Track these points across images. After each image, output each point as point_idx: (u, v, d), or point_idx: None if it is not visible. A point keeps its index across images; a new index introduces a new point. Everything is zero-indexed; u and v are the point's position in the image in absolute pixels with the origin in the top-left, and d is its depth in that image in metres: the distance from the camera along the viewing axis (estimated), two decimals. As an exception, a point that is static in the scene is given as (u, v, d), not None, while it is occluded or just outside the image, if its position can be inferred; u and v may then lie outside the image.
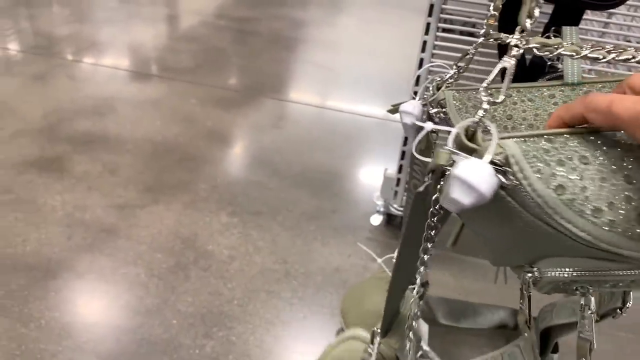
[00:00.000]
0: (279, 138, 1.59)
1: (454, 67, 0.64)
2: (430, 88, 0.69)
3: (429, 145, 0.76)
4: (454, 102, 0.66)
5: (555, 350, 0.88)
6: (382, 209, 1.26)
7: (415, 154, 0.47)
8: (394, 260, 0.81)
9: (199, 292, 1.04)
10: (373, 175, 1.43)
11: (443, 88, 0.67)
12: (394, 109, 0.79)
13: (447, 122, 0.68)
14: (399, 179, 1.17)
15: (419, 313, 0.62)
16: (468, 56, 0.56)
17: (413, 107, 0.78)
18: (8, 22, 2.34)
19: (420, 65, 0.98)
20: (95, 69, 1.96)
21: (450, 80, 0.67)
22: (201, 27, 2.45)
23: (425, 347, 0.88)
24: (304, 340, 0.96)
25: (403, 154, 1.13)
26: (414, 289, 0.62)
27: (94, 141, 1.49)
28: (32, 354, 0.90)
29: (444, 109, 0.68)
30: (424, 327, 0.93)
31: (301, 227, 1.24)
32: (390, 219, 1.27)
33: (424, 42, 0.95)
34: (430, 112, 0.69)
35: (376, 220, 1.26)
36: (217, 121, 1.64)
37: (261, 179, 1.39)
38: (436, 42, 0.95)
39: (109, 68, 1.97)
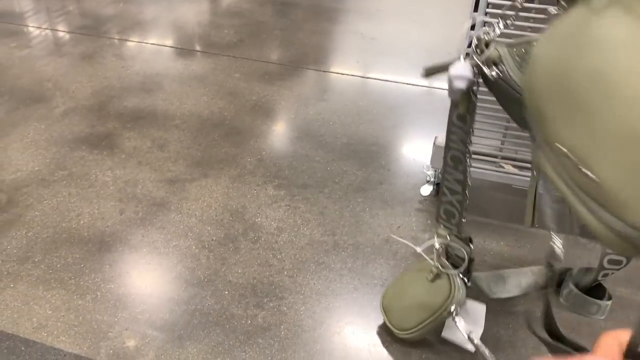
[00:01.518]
0: (324, 110, 1.57)
1: (502, 21, 0.61)
2: (479, 44, 0.65)
3: (471, 108, 0.73)
4: (511, 57, 0.62)
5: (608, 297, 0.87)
6: (432, 179, 1.23)
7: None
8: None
9: (249, 263, 1.04)
10: (421, 145, 1.40)
11: (493, 46, 0.63)
12: (431, 71, 0.75)
13: (504, 80, 0.64)
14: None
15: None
16: (516, 5, 0.56)
17: (464, 69, 0.74)
18: (56, 4, 2.39)
19: (473, 27, 0.94)
20: (141, 47, 1.98)
21: (498, 35, 0.63)
22: (243, 2, 2.44)
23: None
24: (355, 311, 0.96)
25: (453, 121, 1.09)
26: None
27: (142, 117, 1.51)
28: (89, 324, 0.92)
29: (498, 67, 0.64)
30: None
31: (348, 199, 1.22)
32: (439, 188, 1.23)
33: (477, 1, 0.91)
34: (483, 71, 0.65)
35: (426, 190, 1.23)
36: (261, 95, 1.63)
37: (307, 151, 1.38)
38: (489, 0, 0.91)
39: (155, 45, 1.99)
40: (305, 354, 0.88)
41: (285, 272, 1.02)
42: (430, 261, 0.85)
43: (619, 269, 0.81)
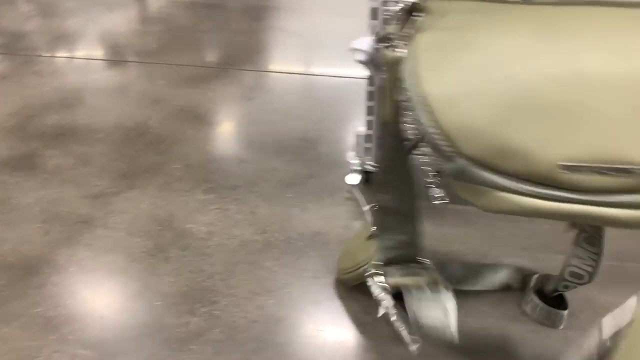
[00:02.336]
0: (252, 109, 1.57)
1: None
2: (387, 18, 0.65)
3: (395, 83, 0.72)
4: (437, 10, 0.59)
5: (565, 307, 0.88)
6: (358, 168, 1.25)
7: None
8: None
9: (180, 271, 1.03)
10: (347, 136, 1.42)
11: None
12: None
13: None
14: (369, 135, 1.15)
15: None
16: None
17: (363, 42, 0.76)
18: (-32, 25, 2.29)
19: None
20: (61, 62, 1.93)
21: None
22: (164, 7, 2.40)
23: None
24: (289, 305, 0.96)
25: (369, 109, 1.11)
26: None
27: (64, 134, 1.47)
28: (17, 352, 0.90)
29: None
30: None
31: (279, 195, 1.23)
32: (367, 176, 1.26)
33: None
34: (381, 46, 0.65)
35: (353, 179, 1.25)
36: (187, 99, 1.61)
37: (236, 152, 1.38)
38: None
39: (75, 59, 1.93)
40: (240, 355, 0.88)
41: (217, 276, 1.02)
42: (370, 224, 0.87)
43: (580, 284, 0.80)
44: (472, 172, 0.48)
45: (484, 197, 0.49)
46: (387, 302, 0.82)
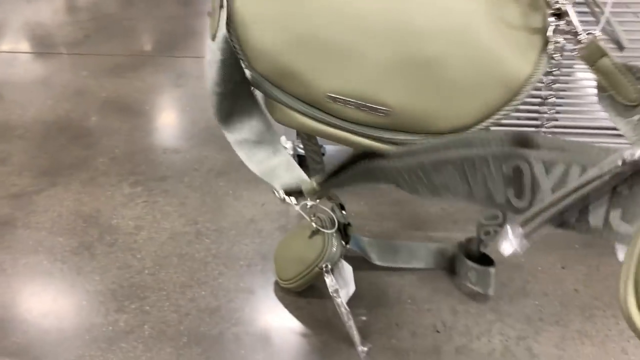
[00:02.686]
0: (180, 97, 1.53)
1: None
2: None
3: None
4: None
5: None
6: (290, 152, 1.23)
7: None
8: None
9: (107, 268, 1.00)
10: (280, 120, 1.40)
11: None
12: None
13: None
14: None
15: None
16: None
17: None
18: None
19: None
20: (-26, 55, 1.82)
21: None
22: (88, -6, 2.30)
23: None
24: (223, 296, 0.95)
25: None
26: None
27: (-20, 133, 1.39)
28: None
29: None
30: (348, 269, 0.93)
31: (210, 184, 1.20)
32: (301, 160, 1.24)
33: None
34: None
35: (285, 164, 1.24)
36: (111, 90, 1.55)
37: (164, 142, 1.34)
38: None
39: (-10, 52, 1.83)
40: (172, 350, 0.86)
41: (147, 271, 0.99)
42: (309, 219, 0.86)
43: (498, 225, 0.83)
44: (265, 86, 0.56)
45: (276, 110, 0.57)
46: (339, 298, 0.82)
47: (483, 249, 0.90)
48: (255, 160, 0.78)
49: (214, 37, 0.62)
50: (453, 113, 0.47)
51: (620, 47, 0.47)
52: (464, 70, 0.46)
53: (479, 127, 0.48)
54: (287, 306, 0.93)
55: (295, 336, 0.88)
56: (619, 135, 1.06)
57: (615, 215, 0.31)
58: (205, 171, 1.24)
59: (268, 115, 0.68)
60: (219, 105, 0.71)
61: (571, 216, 0.34)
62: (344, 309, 0.82)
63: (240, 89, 0.69)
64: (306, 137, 0.85)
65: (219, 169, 1.25)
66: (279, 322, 0.90)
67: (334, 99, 0.51)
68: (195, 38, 1.95)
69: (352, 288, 0.93)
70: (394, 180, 0.50)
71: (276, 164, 0.79)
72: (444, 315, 0.90)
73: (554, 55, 0.47)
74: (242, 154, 0.77)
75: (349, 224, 0.88)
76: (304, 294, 0.94)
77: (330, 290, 0.83)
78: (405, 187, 0.48)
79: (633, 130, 0.44)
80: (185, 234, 1.07)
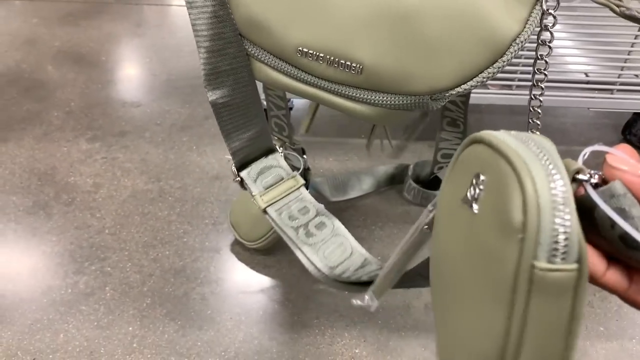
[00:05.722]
0: (139, 46, 1.45)
1: None
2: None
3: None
4: None
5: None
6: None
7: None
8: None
9: (64, 228, 0.95)
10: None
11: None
12: None
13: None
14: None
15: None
16: None
17: None
18: None
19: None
20: None
21: None
22: None
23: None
24: (187, 255, 0.92)
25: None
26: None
27: None
28: None
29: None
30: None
31: (173, 139, 1.15)
32: (266, 114, 1.20)
33: None
34: None
35: (251, 118, 1.19)
36: (65, 39, 1.46)
37: (122, 95, 1.27)
38: None
39: None
40: (135, 311, 0.83)
41: (107, 231, 0.95)
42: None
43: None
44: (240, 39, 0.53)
45: (255, 67, 0.54)
46: None
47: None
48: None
49: None
50: (430, 73, 0.44)
51: None
52: (443, 26, 0.42)
53: (459, 89, 0.45)
54: (254, 265, 0.91)
55: (262, 295, 0.86)
56: (591, 89, 1.05)
57: None
58: (167, 125, 1.18)
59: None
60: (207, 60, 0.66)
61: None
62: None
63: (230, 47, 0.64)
64: (274, 95, 0.82)
65: (182, 123, 1.19)
66: (246, 281, 0.88)
67: (304, 53, 0.48)
68: (155, -16, 1.84)
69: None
70: None
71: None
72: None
73: (551, 12, 0.43)
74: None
75: (308, 169, 0.87)
76: (272, 251, 0.91)
77: None
78: None
79: None
80: (148, 191, 1.03)
